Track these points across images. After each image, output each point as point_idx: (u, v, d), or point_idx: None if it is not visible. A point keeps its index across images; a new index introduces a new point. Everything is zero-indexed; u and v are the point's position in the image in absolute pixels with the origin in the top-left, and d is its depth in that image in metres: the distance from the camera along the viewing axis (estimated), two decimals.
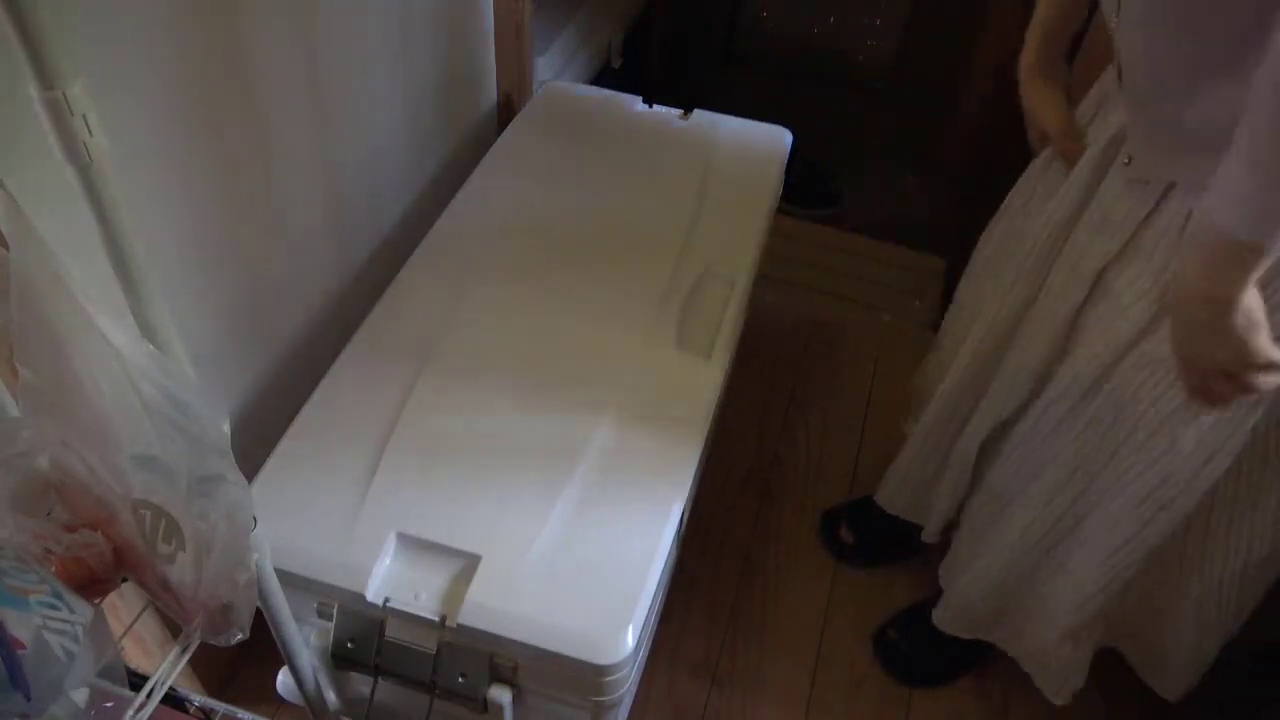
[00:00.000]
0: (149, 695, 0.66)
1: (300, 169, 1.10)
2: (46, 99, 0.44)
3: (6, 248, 0.52)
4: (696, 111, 1.50)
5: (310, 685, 0.93)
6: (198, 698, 0.81)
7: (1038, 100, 1.03)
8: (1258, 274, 0.70)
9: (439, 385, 1.02)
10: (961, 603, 1.20)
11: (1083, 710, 1.34)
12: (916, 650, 1.33)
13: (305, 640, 0.89)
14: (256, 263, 1.07)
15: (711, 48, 2.53)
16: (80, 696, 0.61)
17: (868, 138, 2.47)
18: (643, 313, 1.13)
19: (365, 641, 0.88)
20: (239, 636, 0.67)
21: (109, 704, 0.64)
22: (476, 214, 1.26)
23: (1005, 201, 1.14)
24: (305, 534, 0.89)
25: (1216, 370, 0.76)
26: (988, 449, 1.11)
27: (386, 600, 0.86)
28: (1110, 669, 1.18)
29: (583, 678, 0.85)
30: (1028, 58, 1.03)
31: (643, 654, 1.07)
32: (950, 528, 1.23)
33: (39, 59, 0.43)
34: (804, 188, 2.12)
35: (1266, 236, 0.67)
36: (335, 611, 0.89)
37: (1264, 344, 0.73)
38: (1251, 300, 0.72)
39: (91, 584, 0.63)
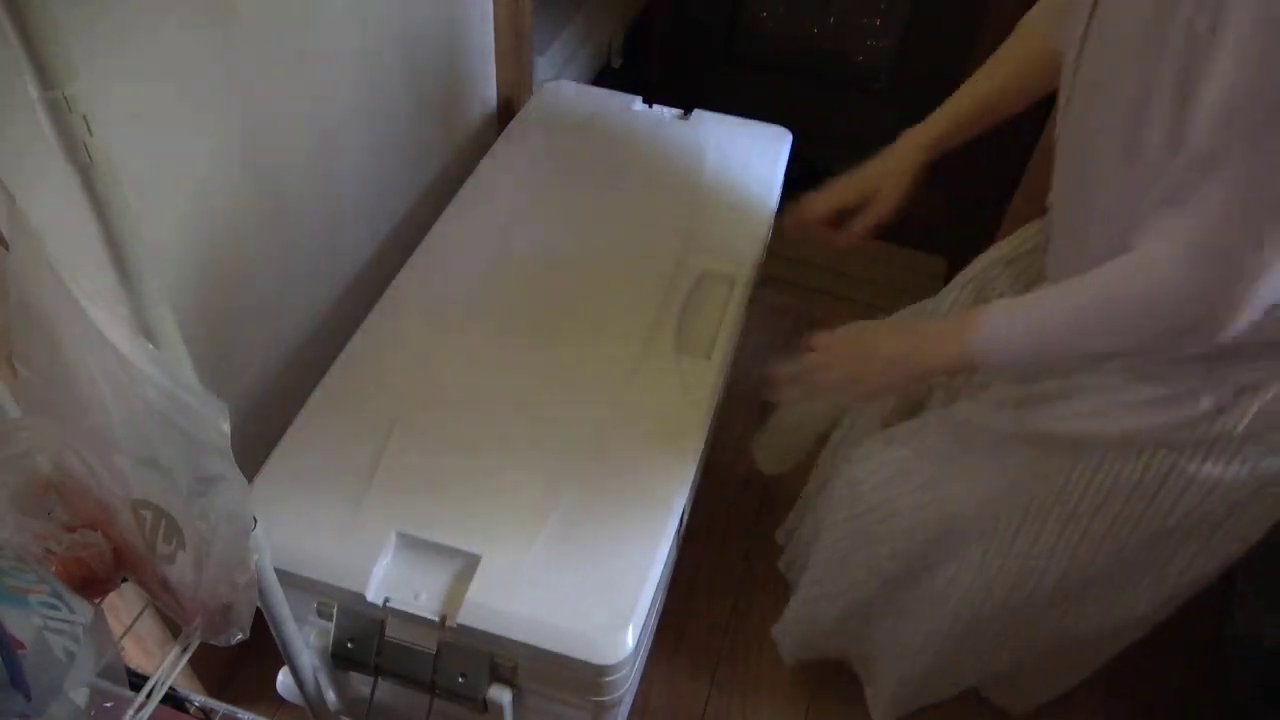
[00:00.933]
0: (149, 695, 0.66)
1: (300, 169, 1.10)
2: (46, 99, 0.44)
3: (6, 247, 0.52)
4: (696, 111, 1.50)
5: (310, 685, 0.93)
6: (198, 698, 0.81)
7: (874, 179, 1.03)
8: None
9: (439, 385, 1.02)
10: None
11: (1083, 711, 1.34)
12: None
13: (305, 640, 0.89)
14: (256, 262, 1.07)
15: (711, 48, 2.53)
16: (80, 696, 0.61)
17: (868, 138, 2.47)
18: (643, 313, 1.13)
19: (365, 641, 0.88)
20: (239, 636, 0.67)
21: (109, 704, 0.64)
22: (476, 214, 1.26)
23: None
24: (305, 534, 0.89)
25: (841, 378, 0.88)
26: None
27: (386, 600, 0.86)
28: (1110, 669, 1.18)
29: (583, 678, 0.85)
30: (921, 138, 1.03)
31: (642, 654, 1.07)
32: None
33: (39, 59, 0.43)
34: (804, 188, 2.12)
35: (995, 364, 0.80)
36: (335, 611, 0.89)
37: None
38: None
39: (91, 584, 0.63)
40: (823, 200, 1.04)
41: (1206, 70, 0.64)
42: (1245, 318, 0.68)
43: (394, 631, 0.88)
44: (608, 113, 1.47)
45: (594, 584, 0.87)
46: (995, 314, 0.79)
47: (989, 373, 0.85)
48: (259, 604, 0.72)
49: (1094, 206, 0.81)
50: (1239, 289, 0.67)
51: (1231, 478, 0.83)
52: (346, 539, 0.89)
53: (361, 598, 0.86)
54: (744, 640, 1.36)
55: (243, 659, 1.25)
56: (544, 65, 1.78)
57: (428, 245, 1.21)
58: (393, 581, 0.87)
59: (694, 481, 1.00)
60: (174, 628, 0.81)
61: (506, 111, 1.62)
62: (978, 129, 1.02)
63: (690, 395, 1.05)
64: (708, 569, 1.43)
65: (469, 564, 0.87)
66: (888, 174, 1.02)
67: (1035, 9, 0.98)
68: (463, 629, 0.84)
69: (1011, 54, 1.01)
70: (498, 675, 0.89)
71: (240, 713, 0.79)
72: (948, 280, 1.15)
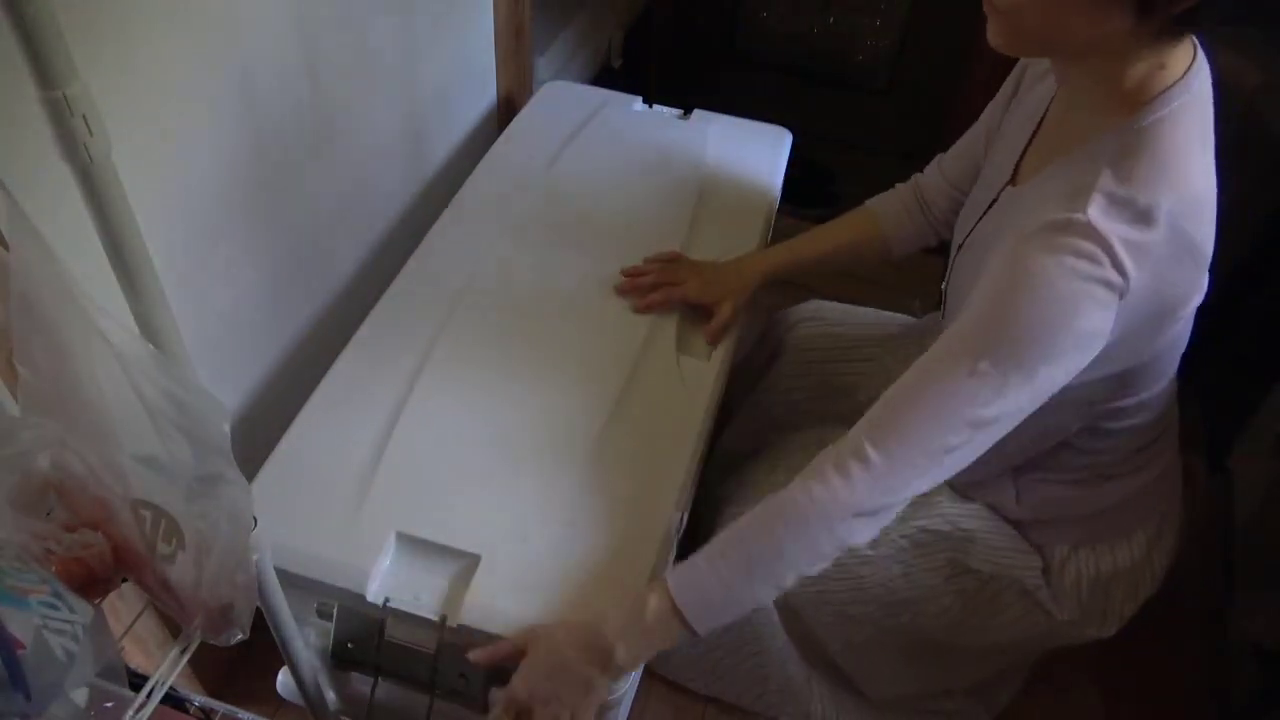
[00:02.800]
0: (149, 695, 0.66)
1: (301, 169, 1.10)
2: (46, 99, 0.44)
3: (6, 248, 0.52)
4: (696, 111, 1.50)
5: (310, 685, 0.93)
6: (198, 698, 0.81)
7: (717, 294, 1.13)
8: (644, 658, 0.83)
9: (439, 385, 1.02)
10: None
11: (1083, 710, 1.34)
12: None
13: (305, 640, 0.89)
14: (256, 262, 1.07)
15: (711, 48, 2.53)
16: (80, 696, 0.61)
17: (868, 138, 2.47)
18: (643, 314, 1.13)
19: (365, 641, 0.88)
20: (239, 636, 0.67)
21: (109, 704, 0.64)
22: (476, 214, 1.26)
23: None
24: (305, 534, 0.89)
25: (538, 705, 0.82)
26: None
27: (386, 600, 0.86)
28: (1110, 670, 1.18)
29: None
30: (763, 265, 1.17)
31: None
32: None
33: (39, 59, 0.43)
34: (804, 188, 2.12)
35: (698, 628, 0.81)
36: (335, 611, 0.89)
37: (591, 713, 0.84)
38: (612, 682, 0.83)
39: (91, 584, 0.63)
40: (676, 295, 1.14)
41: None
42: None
43: (394, 631, 0.88)
44: (608, 113, 1.47)
45: (594, 584, 0.87)
46: (675, 574, 0.83)
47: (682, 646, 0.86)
48: (259, 604, 0.72)
49: None
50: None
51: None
52: (346, 539, 0.88)
53: (361, 598, 0.86)
54: None
55: (243, 659, 1.25)
56: (544, 65, 1.78)
57: (428, 245, 1.21)
58: (393, 581, 0.87)
59: (694, 481, 1.00)
60: (174, 628, 0.81)
61: (506, 111, 1.62)
62: (811, 272, 1.19)
63: (690, 395, 1.05)
64: None
65: (469, 564, 0.87)
66: (729, 292, 1.13)
67: (881, 196, 1.17)
68: (463, 629, 0.84)
69: (849, 225, 1.18)
70: (498, 675, 0.89)
71: (240, 713, 0.79)
72: None
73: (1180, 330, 0.80)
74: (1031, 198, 0.80)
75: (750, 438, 1.28)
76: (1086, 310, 0.70)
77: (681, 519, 0.97)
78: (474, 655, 0.84)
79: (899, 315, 1.27)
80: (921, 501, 1.00)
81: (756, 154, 1.42)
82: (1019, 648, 1.14)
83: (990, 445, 0.77)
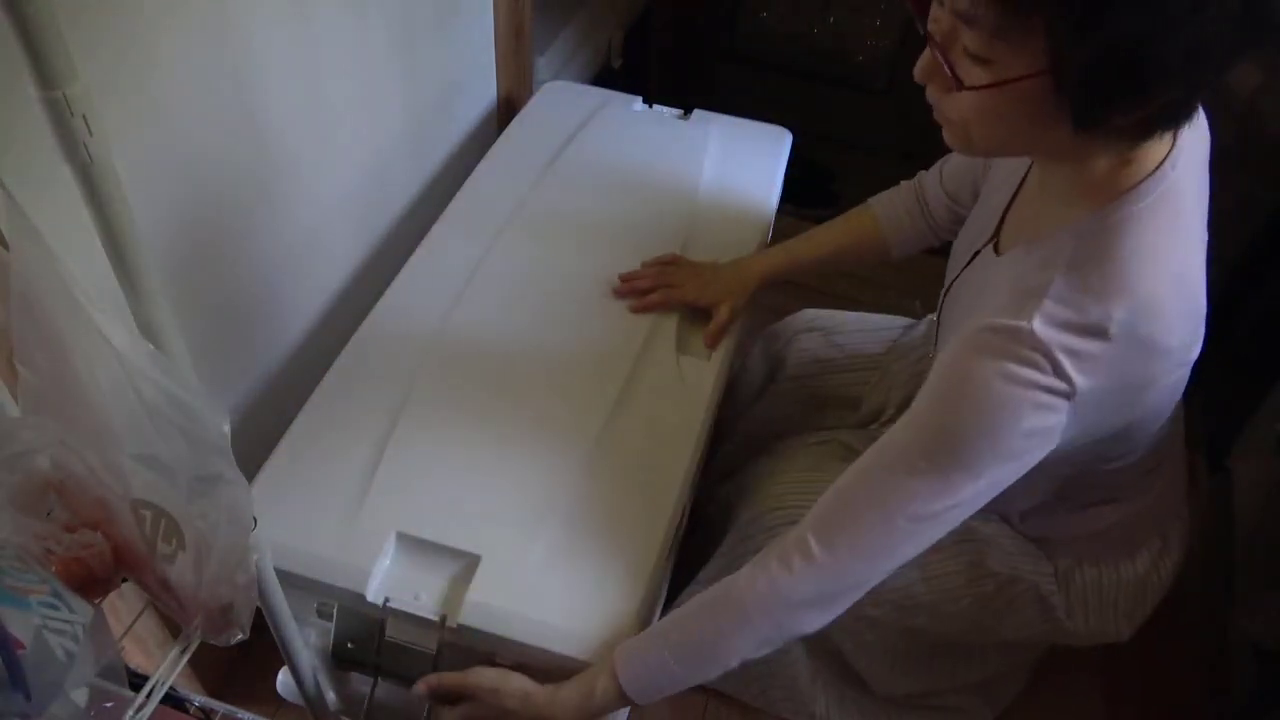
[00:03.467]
0: (149, 695, 0.66)
1: (300, 168, 1.10)
2: (46, 99, 0.44)
3: (7, 248, 0.52)
4: (696, 111, 1.50)
5: (310, 685, 0.93)
6: (198, 698, 0.81)
7: (715, 297, 1.13)
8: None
9: (439, 385, 1.02)
10: None
11: (1084, 708, 1.34)
12: None
13: (305, 640, 0.89)
14: (256, 262, 1.07)
15: (711, 48, 2.53)
16: (80, 696, 0.61)
17: (868, 138, 2.47)
18: (643, 313, 1.13)
19: (365, 641, 0.88)
20: (239, 636, 0.67)
21: (109, 704, 0.64)
22: (476, 214, 1.26)
23: None
24: (305, 534, 0.89)
25: None
26: None
27: (386, 600, 0.86)
28: (1111, 668, 1.18)
29: None
30: (761, 267, 1.16)
31: None
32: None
33: (39, 59, 0.43)
34: (804, 188, 2.12)
35: (642, 702, 0.82)
36: (335, 611, 0.89)
37: None
38: None
39: (91, 584, 0.63)
40: (675, 297, 1.14)
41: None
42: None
43: (394, 631, 0.88)
44: (608, 113, 1.47)
45: (594, 584, 0.87)
46: (622, 649, 0.83)
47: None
48: (259, 604, 0.72)
49: None
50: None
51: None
52: (346, 539, 0.88)
53: (361, 598, 0.86)
54: None
55: (243, 659, 1.25)
56: (544, 65, 1.78)
57: (428, 245, 1.21)
58: (393, 581, 0.87)
59: (694, 481, 1.00)
60: (174, 628, 0.81)
61: (506, 111, 1.62)
62: (811, 273, 1.19)
63: (690, 395, 1.05)
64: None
65: (469, 564, 0.87)
66: (728, 293, 1.13)
67: (884, 195, 1.15)
68: (463, 629, 0.84)
69: (849, 226, 1.17)
70: None
71: (240, 713, 0.79)
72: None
73: (1165, 394, 0.77)
74: (994, 281, 0.79)
75: (748, 456, 1.28)
76: (1028, 414, 0.69)
77: (682, 519, 0.97)
78: (421, 683, 0.85)
79: (898, 318, 1.26)
80: None
81: (756, 154, 1.42)
82: (1030, 647, 1.14)
83: (945, 532, 0.76)
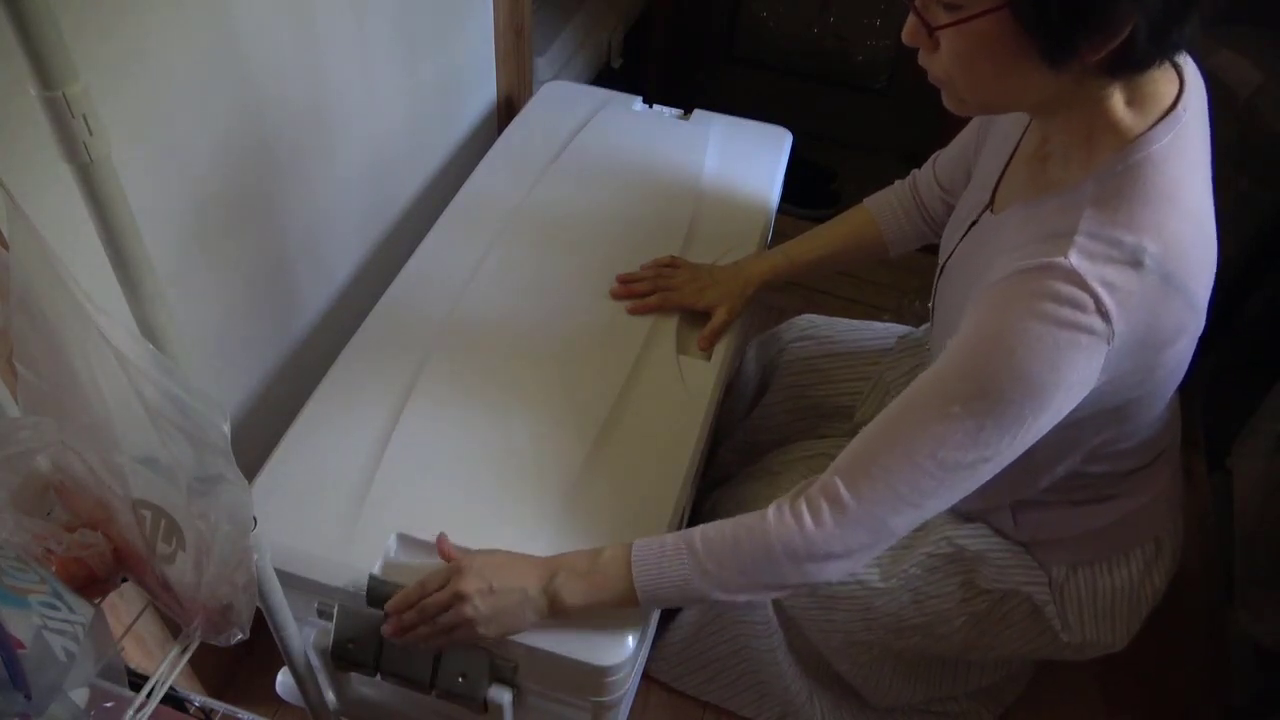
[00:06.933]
0: (149, 695, 0.66)
1: (301, 169, 1.10)
2: (46, 99, 0.44)
3: (6, 248, 0.52)
4: (696, 111, 1.50)
5: (310, 685, 0.93)
6: (198, 698, 0.81)
7: (714, 299, 1.12)
8: (578, 603, 0.82)
9: (439, 385, 1.02)
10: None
11: (1084, 709, 1.34)
12: None
13: (305, 640, 0.89)
14: (256, 263, 1.07)
15: (711, 48, 2.53)
16: (80, 696, 0.61)
17: (868, 138, 2.47)
18: (643, 314, 1.13)
19: (365, 641, 0.88)
20: (239, 636, 0.67)
21: (109, 704, 0.64)
22: (477, 214, 1.26)
23: None
24: (305, 534, 0.89)
25: (454, 627, 0.81)
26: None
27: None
28: (1111, 670, 1.18)
29: (583, 678, 0.85)
30: (759, 269, 1.15)
31: (643, 655, 1.07)
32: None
33: (39, 59, 0.43)
34: (804, 188, 2.12)
35: (641, 600, 0.81)
36: (335, 611, 0.89)
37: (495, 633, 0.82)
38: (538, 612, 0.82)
39: (91, 584, 0.63)
40: (672, 300, 1.14)
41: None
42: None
43: None
44: (608, 113, 1.47)
45: None
46: (641, 542, 0.83)
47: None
48: (259, 604, 0.72)
49: None
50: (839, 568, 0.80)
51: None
52: (346, 539, 0.88)
53: (362, 598, 0.86)
54: None
55: (243, 659, 1.25)
56: (544, 65, 1.78)
57: (427, 245, 1.21)
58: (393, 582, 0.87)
59: (694, 483, 1.00)
60: (174, 628, 0.81)
61: (506, 111, 1.62)
62: (809, 274, 1.19)
63: (690, 395, 1.05)
64: None
65: None
66: (726, 295, 1.13)
67: (879, 194, 1.16)
68: None
69: (846, 226, 1.17)
70: (498, 675, 0.89)
71: (240, 713, 0.79)
72: None
73: (1175, 364, 0.77)
74: (1007, 234, 0.78)
75: (744, 461, 1.28)
76: (1070, 360, 0.68)
77: (682, 519, 0.97)
78: (386, 628, 0.83)
79: (894, 325, 1.26)
80: (924, 527, 1.00)
81: (756, 154, 1.42)
82: (1027, 658, 1.14)
83: (973, 489, 0.75)
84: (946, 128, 1.06)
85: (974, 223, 0.88)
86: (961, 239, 0.90)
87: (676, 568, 0.81)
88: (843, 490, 0.76)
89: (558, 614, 0.82)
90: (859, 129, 2.46)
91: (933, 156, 1.11)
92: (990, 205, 0.86)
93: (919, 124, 2.35)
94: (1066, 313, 0.67)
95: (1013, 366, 0.69)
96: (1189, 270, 0.69)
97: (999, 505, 0.98)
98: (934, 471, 0.73)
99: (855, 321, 1.28)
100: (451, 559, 0.85)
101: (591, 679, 0.85)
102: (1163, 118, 0.69)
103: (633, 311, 1.13)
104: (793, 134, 1.47)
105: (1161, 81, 0.70)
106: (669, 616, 1.20)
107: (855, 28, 2.37)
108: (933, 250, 1.04)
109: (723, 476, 1.26)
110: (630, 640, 0.84)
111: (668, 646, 1.22)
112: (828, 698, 1.21)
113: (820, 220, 1.21)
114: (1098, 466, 0.88)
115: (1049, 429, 0.72)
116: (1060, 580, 0.98)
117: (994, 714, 1.26)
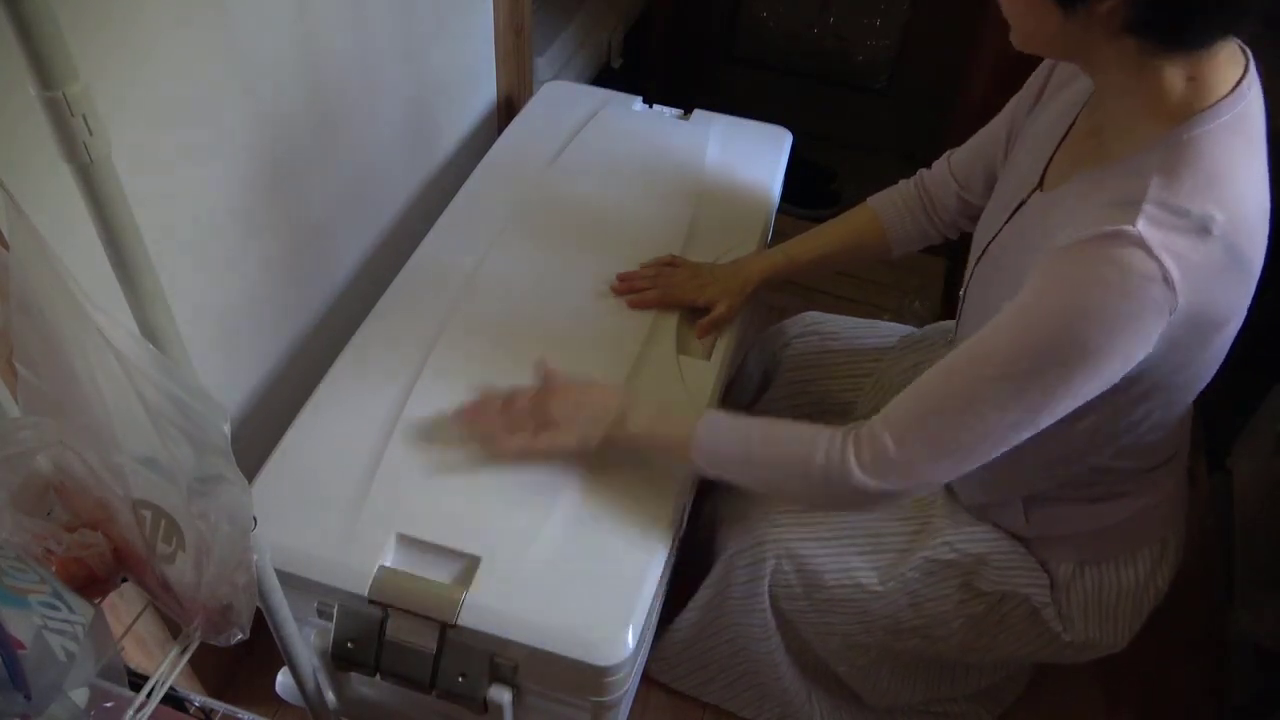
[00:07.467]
0: (149, 695, 0.66)
1: (301, 169, 1.10)
2: (46, 99, 0.44)
3: (7, 248, 0.52)
4: (696, 111, 1.50)
5: (310, 685, 0.93)
6: (198, 698, 0.81)
7: (715, 294, 1.13)
8: (642, 443, 0.94)
9: (439, 385, 1.02)
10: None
11: (1084, 709, 1.34)
12: None
13: (305, 640, 0.89)
14: (255, 262, 1.07)
15: (711, 48, 2.53)
16: (80, 696, 0.61)
17: (868, 138, 2.47)
18: (643, 313, 1.13)
19: (365, 641, 0.88)
20: (239, 636, 0.67)
21: (109, 704, 0.64)
22: (477, 214, 1.26)
23: None
24: (305, 534, 0.89)
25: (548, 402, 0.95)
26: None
27: (386, 600, 0.86)
28: (1111, 670, 1.18)
29: (583, 678, 0.85)
30: (760, 266, 1.16)
31: (643, 654, 1.07)
32: None
33: (39, 59, 0.43)
34: (804, 188, 2.12)
35: (696, 460, 0.90)
36: (335, 611, 0.89)
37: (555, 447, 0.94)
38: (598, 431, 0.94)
39: (91, 584, 0.63)
40: (672, 296, 1.16)
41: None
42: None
43: (394, 631, 0.88)
44: (608, 113, 1.47)
45: (594, 584, 0.87)
46: (712, 414, 0.92)
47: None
48: (259, 604, 0.72)
49: None
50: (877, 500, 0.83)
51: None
52: (346, 539, 0.88)
53: (362, 598, 0.86)
54: None
55: (243, 659, 1.25)
56: (544, 65, 1.78)
57: (427, 245, 1.21)
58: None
59: (695, 483, 1.00)
60: (174, 628, 0.81)
61: (506, 111, 1.62)
62: (810, 273, 1.20)
63: (690, 395, 1.05)
64: (708, 569, 1.43)
65: (469, 564, 0.87)
66: (726, 292, 1.14)
67: (883, 193, 1.16)
68: (463, 629, 0.84)
69: (849, 224, 1.17)
70: (498, 675, 0.89)
71: (240, 713, 0.79)
72: (948, 281, 1.17)
73: (1216, 353, 0.78)
74: (1067, 205, 0.78)
75: None
76: (1130, 330, 0.68)
77: (682, 519, 0.97)
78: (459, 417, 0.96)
79: (897, 325, 1.26)
80: (925, 532, 1.00)
81: (756, 154, 1.42)
82: (1025, 660, 1.14)
83: (1009, 447, 0.77)
84: (947, 128, 1.07)
85: (1021, 204, 0.87)
86: (1007, 222, 0.89)
87: (729, 453, 0.89)
88: (888, 440, 0.79)
89: (619, 432, 0.92)
90: (859, 129, 2.46)
91: (945, 155, 1.11)
92: (1040, 186, 0.86)
93: (919, 124, 2.35)
94: (1133, 282, 0.67)
95: (1073, 333, 0.70)
96: (1251, 246, 0.70)
97: (1012, 499, 0.97)
98: (976, 427, 0.76)
99: (860, 320, 1.28)
100: (547, 375, 0.98)
101: (591, 679, 0.85)
102: (1225, 96, 0.70)
103: (633, 305, 1.13)
104: (793, 134, 1.47)
105: (1225, 67, 0.71)
106: (669, 617, 1.20)
107: (855, 28, 2.37)
108: (935, 252, 1.04)
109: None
110: (630, 640, 0.84)
111: (668, 647, 1.22)
112: (827, 698, 1.21)
113: (820, 220, 1.21)
114: (1118, 461, 0.89)
115: (1097, 393, 0.73)
116: (1067, 578, 0.98)
117: (993, 715, 1.26)
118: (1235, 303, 0.73)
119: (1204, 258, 0.67)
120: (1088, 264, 0.69)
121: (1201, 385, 0.82)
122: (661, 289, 1.13)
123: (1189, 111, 0.70)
